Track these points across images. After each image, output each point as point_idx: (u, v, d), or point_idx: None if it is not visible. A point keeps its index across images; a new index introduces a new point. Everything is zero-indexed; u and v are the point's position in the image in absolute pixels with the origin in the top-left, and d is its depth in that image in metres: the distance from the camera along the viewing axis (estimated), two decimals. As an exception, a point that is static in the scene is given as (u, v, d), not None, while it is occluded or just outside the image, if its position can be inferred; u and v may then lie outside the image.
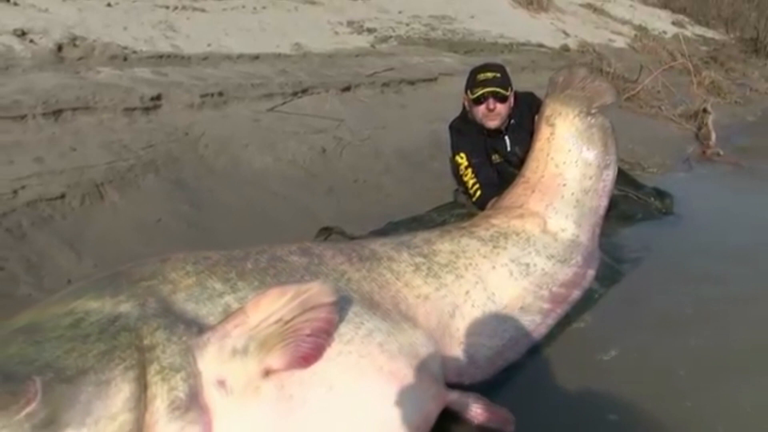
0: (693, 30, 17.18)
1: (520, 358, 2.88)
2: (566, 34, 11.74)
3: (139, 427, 1.60)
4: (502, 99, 4.09)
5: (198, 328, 1.82)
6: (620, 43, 12.90)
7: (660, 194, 5.19)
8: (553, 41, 11.03)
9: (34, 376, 1.52)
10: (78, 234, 3.69)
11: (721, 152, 7.29)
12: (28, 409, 1.46)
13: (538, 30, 11.36)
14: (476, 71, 4.19)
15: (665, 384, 2.80)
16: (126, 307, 1.81)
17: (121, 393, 1.60)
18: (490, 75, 4.10)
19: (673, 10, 18.29)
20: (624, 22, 14.65)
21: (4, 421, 1.44)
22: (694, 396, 2.70)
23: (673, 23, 16.75)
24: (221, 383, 1.75)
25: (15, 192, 3.73)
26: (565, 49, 10.71)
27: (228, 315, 1.86)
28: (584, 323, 3.29)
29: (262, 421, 1.78)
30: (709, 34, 17.86)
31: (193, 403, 1.68)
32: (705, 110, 8.13)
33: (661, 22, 16.13)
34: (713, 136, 7.66)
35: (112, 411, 1.57)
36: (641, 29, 14.31)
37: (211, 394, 1.73)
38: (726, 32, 18.88)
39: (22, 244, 3.47)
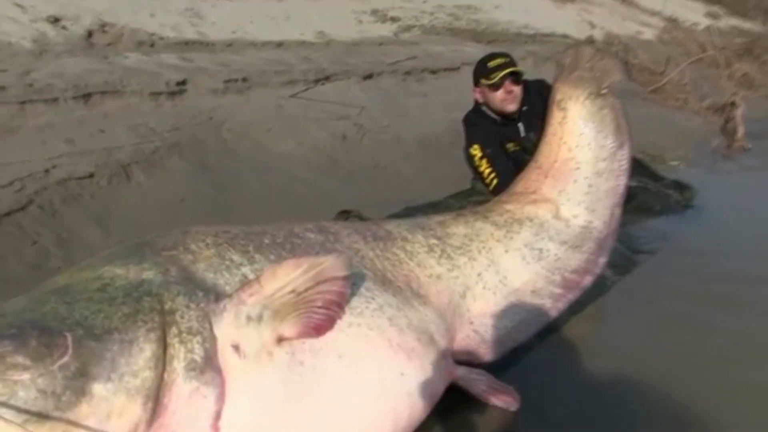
0: (728, 21, 16.87)
1: (530, 340, 2.96)
2: (592, 25, 11.69)
3: (159, 384, 1.71)
4: (518, 80, 4.17)
5: (216, 295, 1.93)
6: (648, 34, 12.80)
7: (680, 186, 5.19)
8: (579, 32, 11.00)
9: (66, 332, 1.63)
10: (105, 212, 3.84)
11: (749, 146, 7.20)
12: (61, 362, 1.57)
13: (564, 21, 11.32)
14: (485, 61, 4.27)
15: (670, 372, 2.85)
16: (149, 274, 1.92)
17: (143, 352, 1.71)
18: (500, 60, 4.19)
19: (709, 1, 17.95)
20: (653, 14, 14.49)
21: (41, 370, 1.55)
22: (699, 386, 2.75)
23: (707, 14, 16.45)
24: (236, 347, 1.85)
25: (47, 171, 3.88)
26: (591, 40, 10.67)
27: (244, 284, 1.97)
28: (595, 310, 3.35)
29: (274, 384, 1.88)
30: (746, 25, 17.50)
31: (208, 364, 1.79)
32: (733, 103, 7.95)
33: (693, 13, 15.88)
34: (741, 129, 7.48)
35: (135, 368, 1.68)
36: (671, 21, 14.14)
37: (225, 357, 1.83)
38: (764, 23, 18.51)
39: (53, 220, 3.62)
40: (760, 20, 18.61)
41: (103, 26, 6.20)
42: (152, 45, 6.19)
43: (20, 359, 1.54)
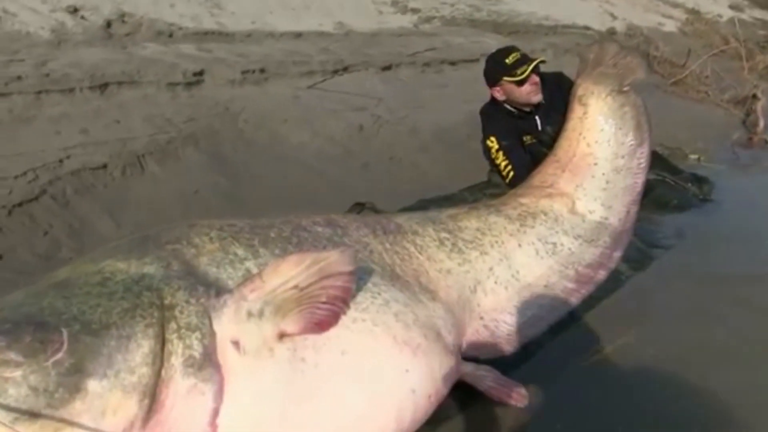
0: (752, 13, 16.64)
1: (542, 336, 2.92)
2: (614, 17, 11.54)
3: (156, 380, 1.69)
4: (538, 71, 4.13)
5: (217, 290, 1.91)
6: (670, 26, 12.62)
7: (698, 180, 5.13)
8: (600, 24, 10.85)
9: (62, 328, 1.62)
10: (118, 202, 3.84)
11: (770, 140, 7.13)
12: (55, 358, 1.56)
13: (585, 12, 11.18)
14: (501, 59, 4.22)
15: (681, 370, 2.82)
16: (151, 268, 1.90)
17: (140, 348, 1.69)
18: (518, 54, 4.17)
19: (734, -7, 17.71)
20: (676, 5, 14.29)
21: (34, 366, 1.54)
22: (710, 383, 2.71)
23: (731, 6, 16.20)
24: (236, 344, 1.83)
25: (61, 161, 3.89)
26: (612, 32, 10.53)
27: (246, 279, 1.94)
28: (608, 305, 3.30)
29: (274, 380, 1.85)
30: (772, 17, 17.31)
31: (207, 361, 1.77)
32: (755, 96, 7.89)
33: (716, 5, 15.64)
34: (762, 122, 7.43)
35: (132, 364, 1.66)
36: (694, 12, 13.94)
37: (225, 354, 1.81)
38: (788, 15, 18.22)
39: (65, 211, 3.63)
40: (785, 11, 18.33)
41: (122, 16, 6.21)
42: (171, 35, 6.19)
43: (13, 355, 1.52)
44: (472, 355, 2.58)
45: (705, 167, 5.76)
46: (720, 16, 14.20)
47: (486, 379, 2.45)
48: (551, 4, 10.53)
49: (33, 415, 1.49)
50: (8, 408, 1.46)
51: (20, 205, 3.51)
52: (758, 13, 16.86)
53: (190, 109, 4.94)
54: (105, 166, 4.01)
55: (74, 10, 6.01)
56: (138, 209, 3.83)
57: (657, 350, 2.98)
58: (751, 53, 10.67)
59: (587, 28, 10.20)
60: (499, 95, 4.31)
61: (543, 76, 4.31)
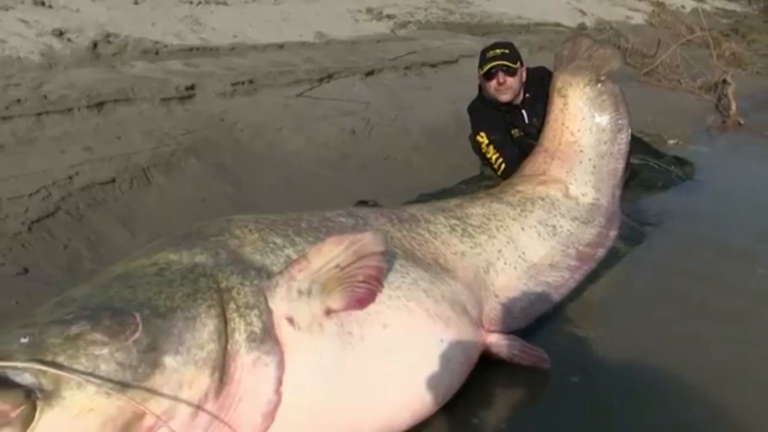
0: (713, 3, 17.08)
1: (551, 309, 3.10)
2: (583, 13, 11.85)
3: (224, 355, 1.84)
4: (511, 72, 4.32)
5: (266, 273, 2.07)
6: (638, 19, 12.96)
7: (680, 162, 5.34)
8: (570, 20, 11.15)
9: (134, 312, 1.76)
10: (130, 214, 3.95)
11: (743, 121, 7.37)
12: (134, 337, 1.70)
13: (555, 10, 11.47)
14: (485, 50, 4.45)
15: (679, 339, 2.98)
16: (201, 258, 2.05)
17: (206, 327, 1.84)
18: (498, 51, 4.34)
19: (694, -16, 18.11)
20: (641, -1, 14.68)
21: (117, 345, 1.67)
22: (707, 359, 2.85)
23: (693, -3, 16.66)
24: (290, 320, 1.98)
25: (70, 178, 3.99)
26: (582, 27, 10.82)
27: (293, 260, 2.10)
28: (609, 280, 3.49)
29: (327, 353, 2.01)
30: (731, 6, 17.73)
31: (267, 336, 1.92)
32: (725, 81, 8.12)
33: (679, -4, 16.08)
34: (734, 105, 7.64)
35: (200, 341, 1.81)
36: (659, 5, 14.33)
37: (281, 329, 1.96)
38: (749, 3, 18.72)
39: (81, 225, 3.73)
40: (744, 1, 18.82)
41: (107, 37, 6.31)
42: (157, 53, 6.30)
43: (98, 336, 1.66)
44: (491, 329, 2.73)
45: (685, 150, 5.97)
46: (683, 7, 14.60)
47: (510, 346, 2.62)
48: (521, 4, 10.80)
49: (124, 386, 1.62)
50: (103, 379, 1.59)
51: (38, 221, 3.60)
52: (720, 3, 17.30)
53: (187, 122, 5.05)
54: (113, 180, 4.10)
55: (60, 33, 6.10)
56: (150, 219, 3.93)
57: (654, 320, 3.17)
58: (717, 41, 10.99)
59: (558, 24, 10.48)
60: (481, 84, 4.51)
61: (528, 72, 4.50)
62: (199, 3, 7.97)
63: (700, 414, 2.51)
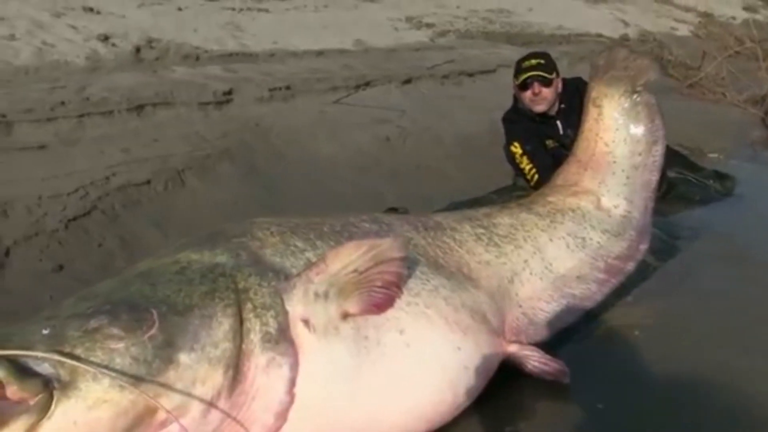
0: (766, 14, 16.72)
1: (577, 322, 3.07)
2: (626, 24, 11.72)
3: (238, 354, 1.87)
4: (546, 83, 4.31)
5: (285, 276, 2.10)
6: (683, 30, 12.77)
7: (720, 177, 5.23)
8: (612, 31, 11.04)
9: (152, 308, 1.80)
10: (163, 215, 4.03)
11: (788, 137, 7.20)
12: (150, 333, 1.74)
13: (597, 20, 11.37)
14: (521, 60, 4.44)
15: (706, 357, 2.92)
16: (222, 258, 2.09)
17: (222, 326, 1.87)
18: (534, 62, 4.33)
19: (747, -6, 17.74)
20: (688, 10, 14.43)
21: (133, 340, 1.72)
22: (738, 380, 2.76)
23: (744, 8, 16.26)
24: (306, 322, 2.01)
25: (107, 178, 4.09)
26: (625, 38, 10.71)
27: (311, 263, 2.12)
28: (638, 294, 3.45)
29: (342, 356, 2.03)
30: (787, 17, 17.36)
31: (282, 337, 1.95)
32: (773, 94, 7.99)
33: (729, 7, 15.70)
34: (781, 119, 7.54)
35: (215, 340, 1.84)
36: (706, 16, 14.08)
37: (297, 331, 1.98)
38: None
39: (115, 224, 3.82)
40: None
41: (150, 42, 6.47)
42: (197, 58, 6.44)
43: (115, 331, 1.71)
44: (513, 339, 2.72)
45: (726, 164, 5.85)
46: (734, 18, 14.30)
47: (530, 357, 2.60)
48: (562, 14, 10.74)
49: (137, 380, 1.66)
50: (117, 372, 1.64)
51: (74, 219, 3.70)
52: (774, 13, 16.87)
53: (223, 126, 5.15)
54: (149, 182, 4.20)
55: (105, 38, 6.28)
56: (182, 220, 4.00)
57: (685, 335, 3.10)
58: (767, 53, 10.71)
59: (600, 35, 10.38)
60: (515, 93, 4.50)
61: (565, 82, 4.48)
62: (241, 10, 8.11)
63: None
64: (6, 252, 3.43)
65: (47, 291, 3.22)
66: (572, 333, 3.02)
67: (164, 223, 3.97)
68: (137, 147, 4.56)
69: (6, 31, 5.76)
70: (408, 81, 6.81)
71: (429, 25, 8.97)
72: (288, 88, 5.91)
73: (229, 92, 5.60)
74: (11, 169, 4.02)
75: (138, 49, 6.33)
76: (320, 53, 7.20)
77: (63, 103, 4.72)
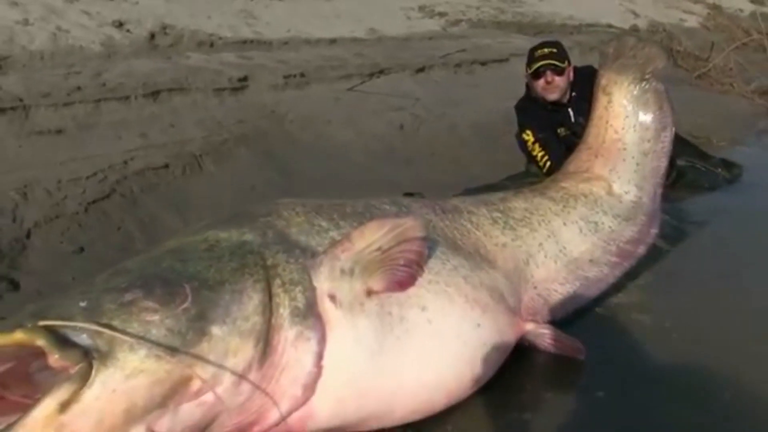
0: (773, 6, 16.68)
1: (590, 303, 3.14)
2: (636, 15, 11.72)
3: (268, 328, 1.92)
4: (559, 72, 4.37)
5: (311, 253, 2.15)
6: (692, 22, 12.76)
7: (727, 164, 5.30)
8: (623, 22, 11.04)
9: (184, 283, 1.86)
10: (181, 199, 4.09)
11: (796, 126, 7.26)
12: (183, 306, 1.80)
13: (607, 11, 11.37)
14: (534, 49, 4.50)
15: (713, 341, 2.97)
16: (249, 236, 2.15)
17: (252, 300, 1.92)
18: (546, 50, 4.39)
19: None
20: (697, 1, 14.42)
21: (167, 313, 1.77)
22: (745, 360, 2.80)
23: (752, 1, 16.25)
24: (332, 297, 2.06)
25: (125, 162, 4.15)
26: (635, 29, 10.71)
27: (336, 241, 2.18)
28: (649, 276, 3.51)
29: (368, 331, 2.09)
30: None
31: (310, 311, 2.00)
32: (780, 85, 8.03)
33: (737, -1, 15.77)
34: (788, 109, 7.58)
35: (246, 313, 1.90)
36: (715, 8, 14.07)
37: (324, 306, 2.04)
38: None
39: (134, 207, 3.88)
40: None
41: (164, 29, 6.50)
42: (212, 45, 6.46)
43: (150, 303, 1.76)
44: (529, 320, 2.78)
45: (734, 153, 5.90)
46: (741, 10, 14.30)
47: (546, 336, 2.66)
48: (573, 5, 10.74)
49: (173, 351, 1.72)
50: (153, 343, 1.70)
51: (94, 202, 3.76)
52: (780, 6, 16.82)
53: (238, 112, 5.20)
54: (167, 166, 4.26)
55: (120, 24, 6.30)
56: (201, 204, 4.06)
57: (694, 316, 3.17)
58: (775, 45, 10.74)
59: (610, 26, 10.39)
60: (528, 81, 4.54)
61: (576, 71, 4.52)
62: (255, -3, 8.13)
63: (738, 415, 2.49)
64: (27, 234, 3.49)
65: (69, 272, 3.29)
66: (581, 316, 3.08)
67: (182, 206, 4.03)
68: (154, 132, 4.62)
69: (20, 15, 5.79)
70: (421, 69, 6.86)
71: (441, 14, 8.99)
72: (302, 75, 5.96)
73: (244, 79, 5.64)
74: (29, 152, 4.08)
75: (152, 36, 6.35)
76: (333, 41, 7.23)
77: (79, 88, 4.76)
